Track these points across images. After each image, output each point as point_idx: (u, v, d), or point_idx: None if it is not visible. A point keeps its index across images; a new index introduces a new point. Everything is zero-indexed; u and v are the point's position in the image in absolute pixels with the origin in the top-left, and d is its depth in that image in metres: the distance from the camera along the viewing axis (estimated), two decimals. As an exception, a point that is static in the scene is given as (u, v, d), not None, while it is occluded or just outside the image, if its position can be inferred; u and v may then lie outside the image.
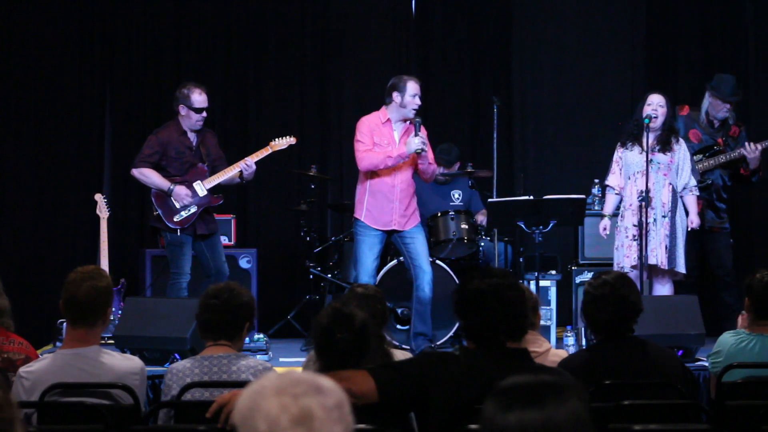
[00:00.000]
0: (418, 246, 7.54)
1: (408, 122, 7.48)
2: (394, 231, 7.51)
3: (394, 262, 7.85)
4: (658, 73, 9.49)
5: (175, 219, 7.49)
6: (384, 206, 7.48)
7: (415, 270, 7.50)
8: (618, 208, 7.59)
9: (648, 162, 7.27)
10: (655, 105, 7.44)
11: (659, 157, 7.39)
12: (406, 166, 7.49)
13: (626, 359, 4.16)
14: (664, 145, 7.40)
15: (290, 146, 7.81)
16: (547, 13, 9.67)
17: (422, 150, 7.32)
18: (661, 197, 7.38)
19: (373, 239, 7.48)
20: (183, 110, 7.52)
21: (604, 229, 7.59)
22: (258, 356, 6.53)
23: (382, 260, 7.78)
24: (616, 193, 7.57)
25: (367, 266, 7.43)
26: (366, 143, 7.41)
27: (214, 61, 9.43)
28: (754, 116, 9.25)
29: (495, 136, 7.95)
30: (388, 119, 7.46)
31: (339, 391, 2.01)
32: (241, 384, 3.85)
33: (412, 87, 7.40)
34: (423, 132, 7.49)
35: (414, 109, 7.43)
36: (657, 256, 7.34)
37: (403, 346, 7.40)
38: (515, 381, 1.98)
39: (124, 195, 9.18)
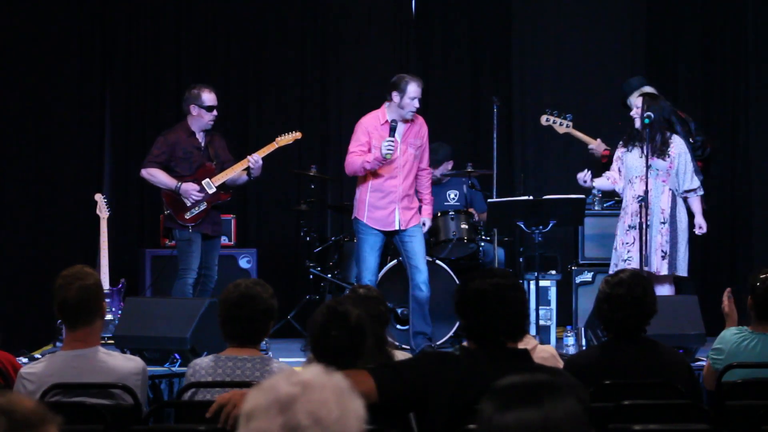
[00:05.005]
0: (416, 245, 7.52)
1: (408, 123, 7.48)
2: (395, 231, 7.51)
3: (394, 262, 7.85)
4: (659, 72, 9.46)
5: (186, 216, 7.53)
6: (386, 206, 7.47)
7: (411, 269, 7.49)
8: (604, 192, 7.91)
9: (647, 166, 7.23)
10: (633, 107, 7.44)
11: (658, 163, 7.29)
12: (409, 165, 7.49)
13: (637, 359, 4.18)
14: (660, 147, 7.29)
15: (295, 142, 7.83)
16: (547, 12, 9.67)
17: (388, 154, 7.28)
18: (660, 204, 7.32)
19: (375, 238, 7.48)
20: (195, 110, 7.55)
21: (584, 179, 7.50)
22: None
23: (382, 260, 7.77)
24: (611, 182, 7.50)
25: (370, 265, 7.44)
26: (354, 150, 7.41)
27: (214, 61, 9.43)
28: (754, 115, 9.24)
29: (495, 136, 7.94)
30: (387, 120, 7.45)
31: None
32: (243, 384, 3.85)
33: (413, 90, 7.37)
34: (424, 132, 7.51)
35: (411, 112, 7.42)
36: (653, 262, 7.29)
37: (403, 346, 7.41)
38: (512, 381, 1.99)
39: (124, 195, 9.18)
